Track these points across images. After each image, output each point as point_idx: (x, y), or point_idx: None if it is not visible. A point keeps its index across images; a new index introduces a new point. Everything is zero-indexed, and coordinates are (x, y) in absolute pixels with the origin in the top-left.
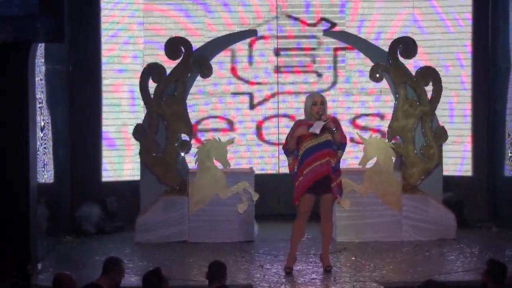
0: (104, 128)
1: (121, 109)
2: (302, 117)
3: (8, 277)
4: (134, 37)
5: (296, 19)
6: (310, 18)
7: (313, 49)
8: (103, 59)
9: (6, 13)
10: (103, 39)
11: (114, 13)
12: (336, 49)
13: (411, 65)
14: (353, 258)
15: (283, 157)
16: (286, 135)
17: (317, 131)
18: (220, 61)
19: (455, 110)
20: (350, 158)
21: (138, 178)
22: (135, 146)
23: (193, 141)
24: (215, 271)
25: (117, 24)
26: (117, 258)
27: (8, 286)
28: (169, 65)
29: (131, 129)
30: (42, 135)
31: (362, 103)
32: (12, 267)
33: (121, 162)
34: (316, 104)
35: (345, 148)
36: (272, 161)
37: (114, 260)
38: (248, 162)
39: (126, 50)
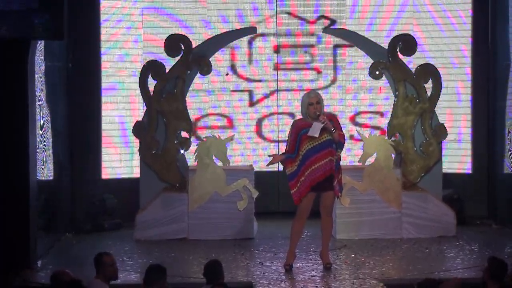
0: (103, 125)
1: (120, 106)
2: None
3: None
4: (134, 32)
5: (295, 16)
6: (309, 15)
7: (313, 46)
8: (103, 56)
9: (6, 7)
10: (102, 36)
11: (114, 10)
12: (335, 47)
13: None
14: (353, 255)
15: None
16: (286, 140)
17: (316, 134)
18: (219, 59)
19: (460, 102)
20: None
21: (137, 175)
22: (134, 143)
23: (192, 138)
24: (211, 271)
25: (117, 24)
26: (103, 252)
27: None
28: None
29: (130, 126)
30: (41, 132)
31: (361, 101)
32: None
33: (121, 160)
34: (312, 104)
35: (343, 147)
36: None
37: (101, 255)
38: (247, 159)
39: (126, 48)
